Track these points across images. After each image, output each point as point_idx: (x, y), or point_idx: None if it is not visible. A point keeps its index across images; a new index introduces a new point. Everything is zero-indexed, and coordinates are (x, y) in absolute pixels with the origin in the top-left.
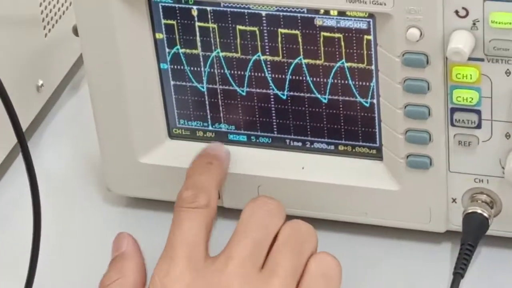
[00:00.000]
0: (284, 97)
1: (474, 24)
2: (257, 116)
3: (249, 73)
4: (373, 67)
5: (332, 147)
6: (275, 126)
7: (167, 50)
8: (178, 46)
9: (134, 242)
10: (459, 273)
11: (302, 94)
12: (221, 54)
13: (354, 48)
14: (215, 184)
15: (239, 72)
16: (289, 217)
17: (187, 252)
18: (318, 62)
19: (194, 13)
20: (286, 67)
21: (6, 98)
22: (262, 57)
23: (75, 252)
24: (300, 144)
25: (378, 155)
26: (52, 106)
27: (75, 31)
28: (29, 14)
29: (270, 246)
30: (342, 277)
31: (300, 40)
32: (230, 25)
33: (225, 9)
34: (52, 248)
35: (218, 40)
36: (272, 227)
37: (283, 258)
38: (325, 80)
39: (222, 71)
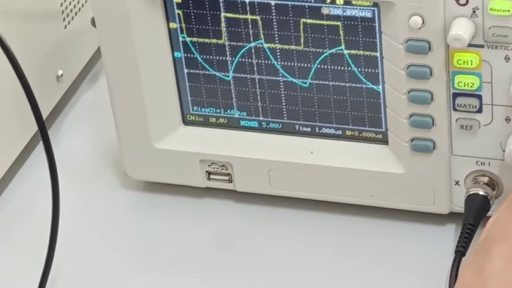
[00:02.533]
0: (295, 84)
1: (474, 11)
2: (267, 102)
3: (260, 61)
4: (378, 54)
5: (340, 132)
6: (285, 112)
7: (180, 39)
8: (191, 35)
9: None
10: (460, 251)
11: (310, 81)
12: (231, 42)
13: (360, 36)
14: None
15: (249, 60)
16: (298, 200)
17: None
18: (325, 50)
19: (207, 2)
20: (295, 55)
21: (28, 87)
22: (271, 45)
23: (93, 235)
24: (309, 129)
25: (383, 140)
26: (72, 95)
27: (94, 22)
28: (49, 7)
29: None
30: None
31: (307, 28)
32: (240, 14)
33: None
34: (71, 232)
35: (228, 28)
36: None
37: None
38: (332, 67)
39: (233, 58)
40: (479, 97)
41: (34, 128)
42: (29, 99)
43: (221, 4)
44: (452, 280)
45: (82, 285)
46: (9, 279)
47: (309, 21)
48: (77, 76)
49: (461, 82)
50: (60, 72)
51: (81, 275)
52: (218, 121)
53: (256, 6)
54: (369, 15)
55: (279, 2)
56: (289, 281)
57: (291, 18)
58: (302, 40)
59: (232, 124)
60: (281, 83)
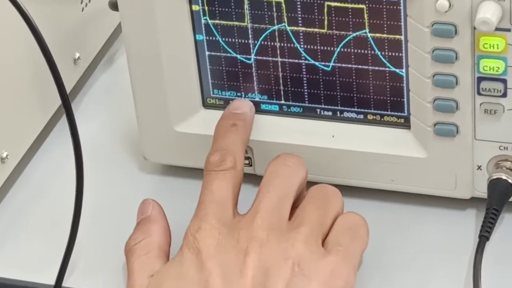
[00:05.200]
0: (317, 68)
1: None
2: (289, 86)
3: (282, 44)
4: (402, 37)
5: (361, 116)
6: (306, 96)
7: (203, 21)
8: (214, 18)
9: (159, 207)
10: (484, 236)
11: (333, 64)
12: (254, 25)
13: (385, 19)
14: (241, 145)
15: (271, 43)
16: (318, 184)
17: (216, 210)
18: (349, 33)
19: None
20: (318, 38)
21: (52, 61)
22: (295, 28)
23: (112, 219)
24: (330, 113)
25: (405, 124)
26: (88, 78)
27: (111, 5)
28: None
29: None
30: (369, 234)
31: (331, 11)
32: None
33: None
34: (90, 215)
35: (251, 11)
36: (295, 178)
37: (310, 212)
38: (355, 50)
39: (255, 41)
40: (504, 81)
41: (52, 109)
42: (52, 73)
43: None
44: (477, 265)
45: (101, 266)
46: (31, 259)
47: (333, 4)
48: (94, 59)
49: (486, 66)
50: (77, 55)
51: (99, 259)
52: None
53: None
54: None
55: None
56: None
57: (315, 0)
58: (325, 23)
59: None
60: (303, 67)
